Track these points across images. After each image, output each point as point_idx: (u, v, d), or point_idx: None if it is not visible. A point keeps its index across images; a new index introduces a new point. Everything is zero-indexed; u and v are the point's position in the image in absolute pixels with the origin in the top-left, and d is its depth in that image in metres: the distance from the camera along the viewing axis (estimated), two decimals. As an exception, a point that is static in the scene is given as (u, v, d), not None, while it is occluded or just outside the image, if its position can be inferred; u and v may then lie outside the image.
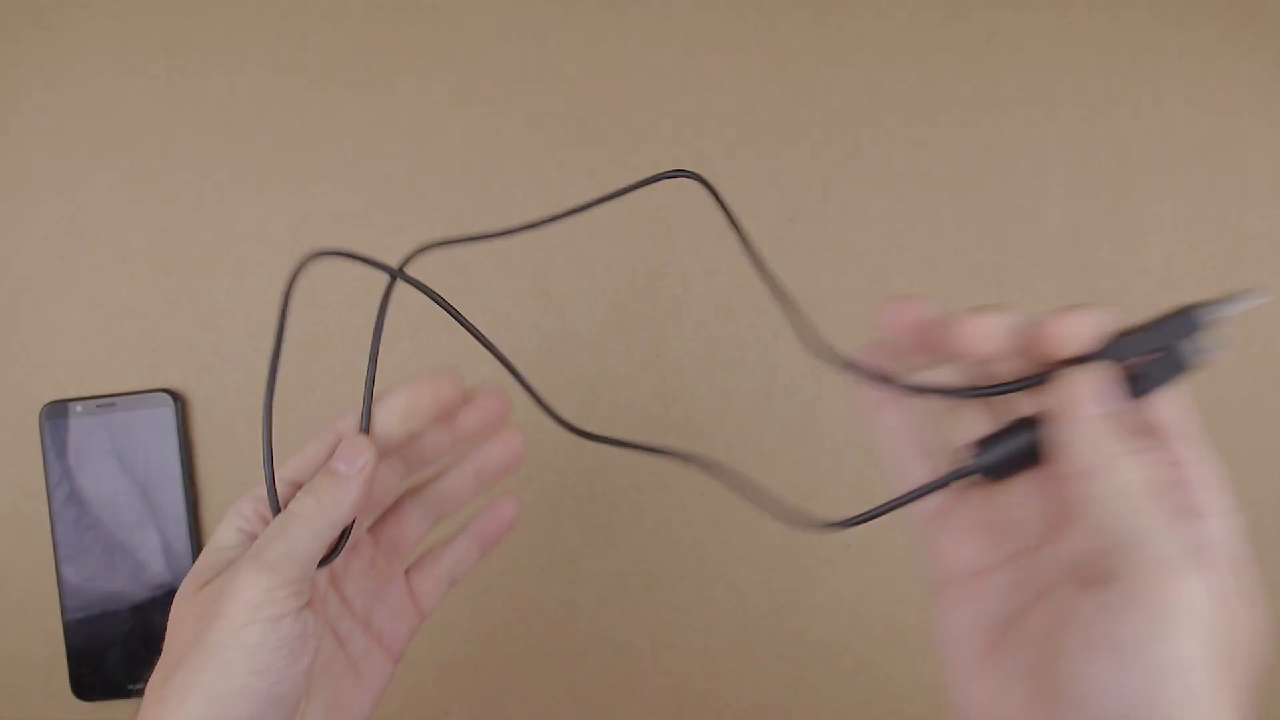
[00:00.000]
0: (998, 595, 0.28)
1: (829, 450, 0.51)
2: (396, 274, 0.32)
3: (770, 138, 0.51)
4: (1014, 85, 0.51)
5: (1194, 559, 0.23)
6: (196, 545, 0.50)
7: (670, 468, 0.50)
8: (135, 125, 0.51)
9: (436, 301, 0.32)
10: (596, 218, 0.51)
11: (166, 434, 0.50)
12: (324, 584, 0.33)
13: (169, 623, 0.30)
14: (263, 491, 0.31)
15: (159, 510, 0.50)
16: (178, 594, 0.30)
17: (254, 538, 0.30)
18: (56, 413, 0.50)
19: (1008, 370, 0.28)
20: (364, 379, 0.31)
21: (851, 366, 0.29)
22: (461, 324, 0.33)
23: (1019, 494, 0.28)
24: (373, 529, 0.36)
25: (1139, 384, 0.26)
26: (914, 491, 0.28)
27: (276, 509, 0.30)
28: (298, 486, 0.31)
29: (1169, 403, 0.26)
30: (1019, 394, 0.27)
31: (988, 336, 0.26)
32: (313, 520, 0.29)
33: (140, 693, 0.50)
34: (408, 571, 0.36)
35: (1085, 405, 0.25)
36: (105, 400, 0.50)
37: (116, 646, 0.50)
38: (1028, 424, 0.27)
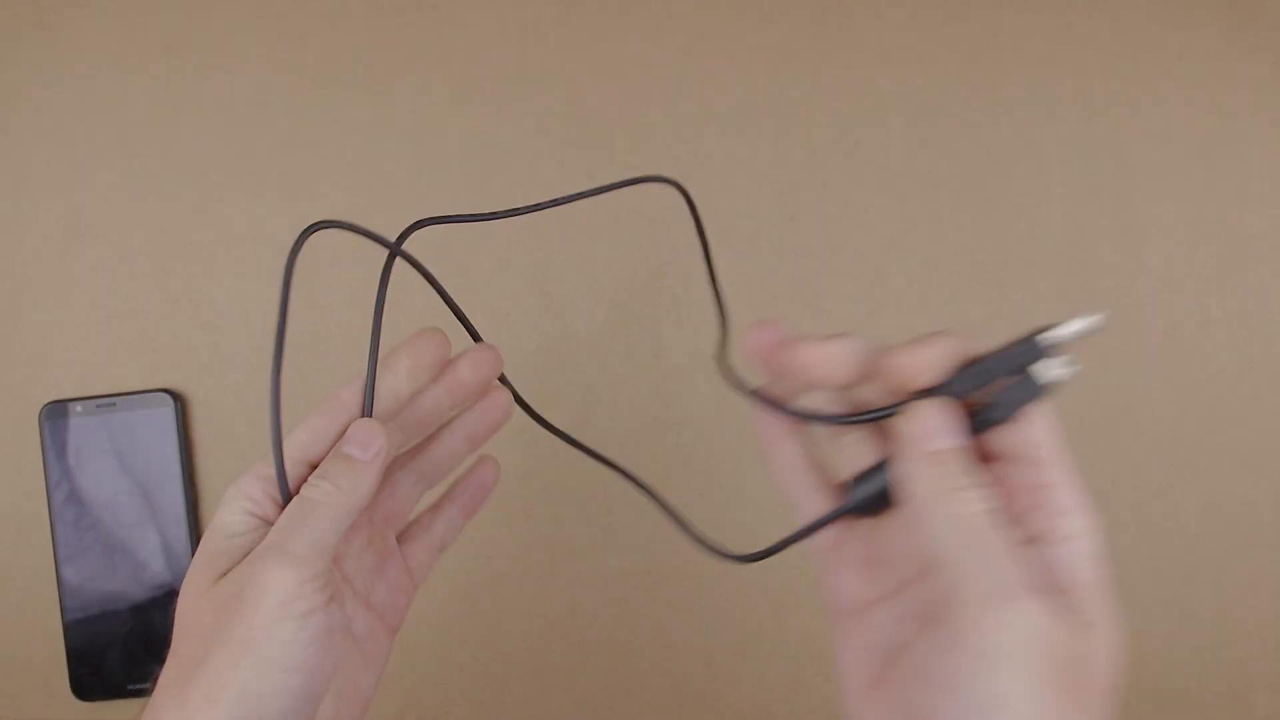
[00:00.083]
0: (883, 629, 0.28)
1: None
2: (396, 249, 0.32)
3: (770, 138, 0.51)
4: (1014, 85, 0.51)
5: (1027, 588, 0.23)
6: (196, 545, 0.50)
7: (670, 468, 0.50)
8: (135, 125, 0.52)
9: (426, 277, 0.33)
10: (597, 218, 0.51)
11: (166, 434, 0.50)
12: (337, 573, 0.32)
13: (178, 615, 0.28)
14: (265, 469, 0.30)
15: (159, 510, 0.50)
16: (186, 583, 0.29)
17: (265, 521, 0.29)
18: (56, 413, 0.50)
19: (875, 398, 0.28)
20: (364, 378, 0.31)
21: (754, 394, 0.30)
22: (444, 299, 0.33)
23: (898, 529, 0.28)
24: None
25: (996, 410, 0.26)
26: (802, 529, 0.29)
27: (288, 493, 0.29)
28: (309, 466, 0.30)
29: (1028, 426, 0.26)
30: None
31: (832, 363, 0.26)
32: (334, 508, 0.28)
33: (140, 693, 0.50)
34: (399, 542, 0.35)
35: (918, 442, 0.25)
36: (105, 400, 0.50)
37: (116, 647, 0.50)
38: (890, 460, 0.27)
